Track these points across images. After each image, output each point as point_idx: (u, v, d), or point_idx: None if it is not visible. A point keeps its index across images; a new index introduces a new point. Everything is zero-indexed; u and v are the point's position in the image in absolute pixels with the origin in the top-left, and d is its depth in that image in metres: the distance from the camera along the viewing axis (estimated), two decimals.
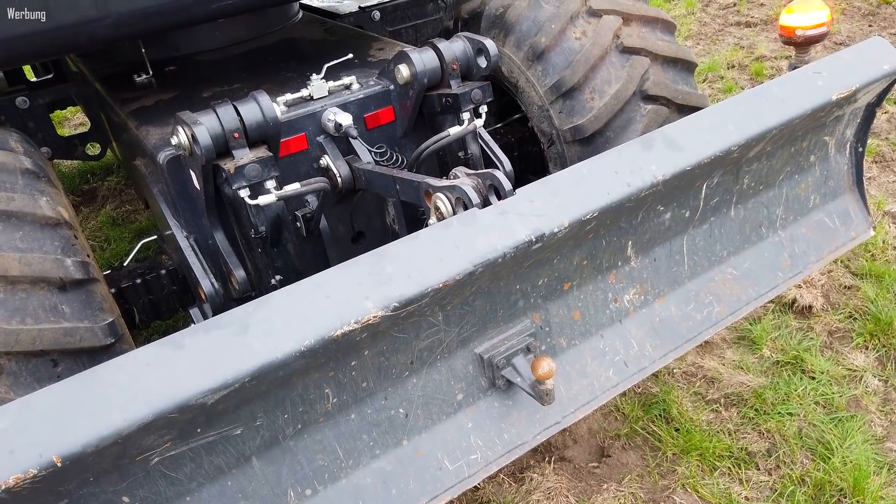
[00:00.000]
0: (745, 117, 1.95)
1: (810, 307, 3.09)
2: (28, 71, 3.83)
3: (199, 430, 1.36)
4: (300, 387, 1.49)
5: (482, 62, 2.26)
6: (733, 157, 1.97)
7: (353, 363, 1.55)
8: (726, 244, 2.30)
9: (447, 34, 3.16)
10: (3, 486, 1.07)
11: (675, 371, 2.85)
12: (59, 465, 1.10)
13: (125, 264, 2.50)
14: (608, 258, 2.00)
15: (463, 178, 1.67)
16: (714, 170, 2.02)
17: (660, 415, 2.66)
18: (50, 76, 3.57)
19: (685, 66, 2.82)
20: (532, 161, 3.15)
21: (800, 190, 2.45)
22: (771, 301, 3.12)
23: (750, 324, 3.04)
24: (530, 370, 1.73)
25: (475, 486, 2.44)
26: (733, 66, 5.86)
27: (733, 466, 2.44)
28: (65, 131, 5.80)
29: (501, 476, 2.48)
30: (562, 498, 2.37)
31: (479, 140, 2.43)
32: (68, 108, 5.16)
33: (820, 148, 2.44)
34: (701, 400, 2.72)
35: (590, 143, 2.72)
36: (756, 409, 2.65)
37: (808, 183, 2.47)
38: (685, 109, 2.74)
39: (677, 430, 2.59)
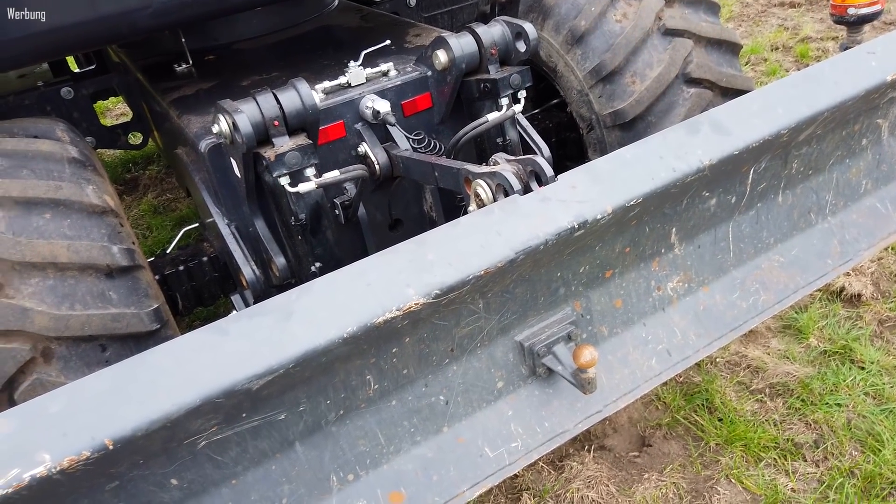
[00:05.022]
0: (795, 100, 1.89)
1: (860, 295, 2.99)
2: (71, 62, 3.90)
3: (244, 415, 1.37)
4: (342, 373, 1.50)
5: (521, 46, 2.23)
6: (782, 141, 1.91)
7: (394, 350, 1.55)
8: (773, 231, 2.24)
9: (484, 19, 3.12)
10: (59, 468, 1.09)
11: (717, 360, 2.80)
12: (110, 447, 1.12)
13: (168, 252, 2.55)
14: (651, 245, 1.96)
15: (503, 165, 1.65)
16: (762, 154, 1.96)
17: (702, 404, 2.61)
18: (93, 67, 3.63)
19: (730, 48, 2.75)
20: (570, 147, 3.11)
21: (851, 175, 2.37)
22: (818, 289, 3.03)
23: (796, 312, 2.96)
24: (572, 358, 1.71)
25: (514, 473, 2.43)
26: (777, 49, 5.69)
27: (779, 458, 2.39)
28: (106, 122, 5.92)
29: (541, 464, 2.47)
30: (602, 487, 2.34)
31: (518, 126, 2.40)
32: (109, 98, 5.26)
33: (872, 131, 2.35)
34: (745, 390, 2.67)
35: (630, 128, 2.67)
36: (803, 400, 2.58)
37: (860, 167, 2.39)
38: (730, 93, 2.67)
39: (720, 420, 2.54)
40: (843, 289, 3.03)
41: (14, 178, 1.82)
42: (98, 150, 5.52)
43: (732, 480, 2.33)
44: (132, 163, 5.82)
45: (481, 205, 1.68)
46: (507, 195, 1.60)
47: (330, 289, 1.36)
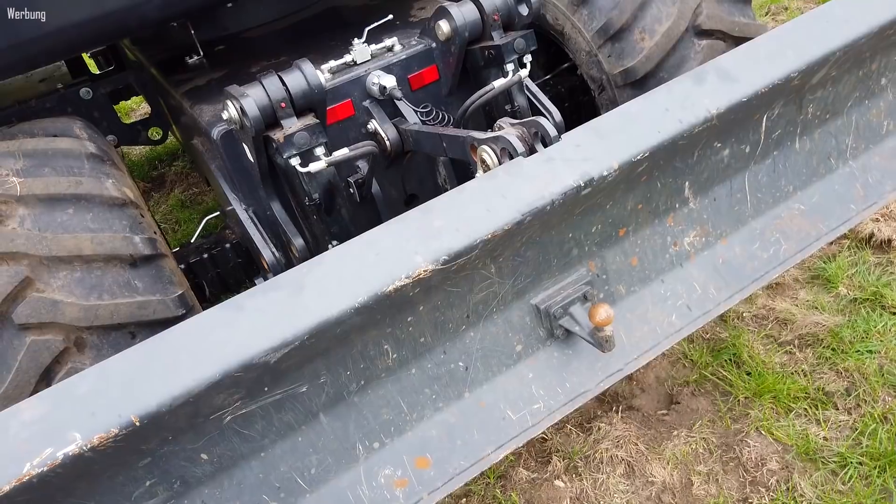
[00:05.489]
0: (804, 41, 1.85)
1: (889, 241, 2.93)
2: (92, 66, 3.98)
3: (266, 389, 1.41)
4: (360, 344, 1.53)
5: (523, 10, 2.21)
6: (794, 84, 1.87)
7: (409, 319, 1.58)
8: (792, 179, 2.20)
9: None
10: (89, 445, 1.14)
11: (744, 315, 2.77)
12: (137, 423, 1.17)
13: (192, 241, 2.61)
14: (665, 201, 1.94)
15: (507, 129, 1.65)
16: (774, 100, 1.93)
17: (730, 360, 2.60)
18: (111, 68, 3.70)
19: None
20: (584, 110, 3.08)
21: (871, 116, 2.31)
22: (846, 237, 2.98)
23: (824, 262, 2.91)
24: (588, 318, 1.71)
25: (542, 437, 2.46)
26: None
27: (810, 407, 2.37)
28: (130, 121, 6.01)
29: (569, 427, 2.49)
30: (631, 446, 2.36)
31: (526, 91, 2.39)
32: (132, 98, 5.36)
33: (891, 69, 2.28)
34: (773, 342, 2.64)
35: (642, 85, 2.63)
36: (833, 349, 2.55)
37: (880, 108, 2.32)
38: (744, 42, 2.61)
39: (749, 373, 2.52)
40: (872, 235, 2.96)
41: (36, 177, 1.87)
42: (124, 149, 5.64)
43: (762, 432, 2.32)
44: (158, 160, 5.92)
45: (487, 170, 1.69)
46: (512, 159, 1.61)
47: (340, 260, 1.39)
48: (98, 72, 3.77)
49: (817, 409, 2.36)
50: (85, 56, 3.78)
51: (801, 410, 2.36)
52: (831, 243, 2.89)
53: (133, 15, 2.17)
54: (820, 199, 2.23)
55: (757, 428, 2.34)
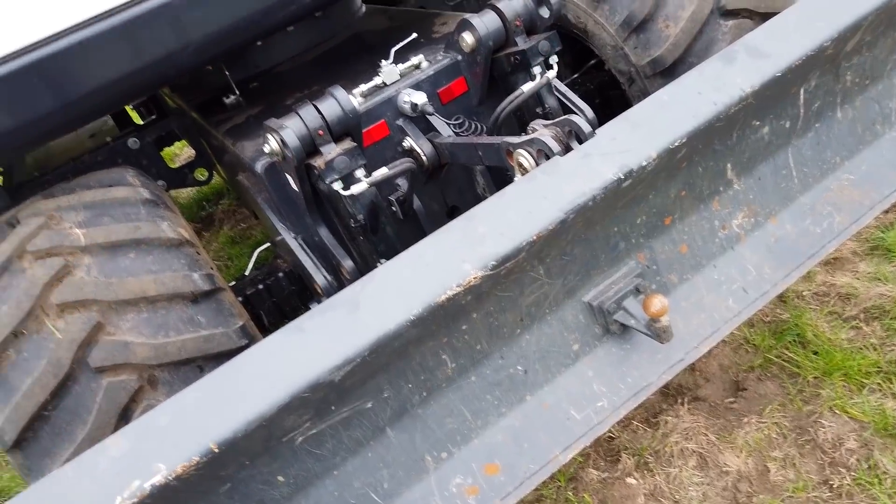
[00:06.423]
0: (833, 9, 1.82)
1: None
2: (136, 117, 4.15)
3: (333, 408, 1.45)
4: (418, 356, 1.56)
5: (544, 12, 2.23)
6: (828, 54, 1.84)
7: (463, 327, 1.60)
8: (838, 149, 2.15)
9: None
10: (174, 475, 1.20)
11: (804, 293, 2.71)
12: (216, 451, 1.22)
13: (246, 274, 2.69)
14: (708, 185, 1.93)
15: (541, 130, 1.67)
16: (809, 72, 1.90)
17: (794, 340, 2.54)
18: (154, 117, 3.86)
19: None
20: (616, 105, 3.07)
21: None
22: None
23: (882, 231, 2.83)
24: (643, 310, 1.71)
25: (609, 436, 2.44)
26: None
27: (883, 381, 2.29)
28: (175, 165, 6.21)
29: (635, 423, 2.46)
30: (701, 437, 2.32)
31: (556, 92, 2.40)
32: (174, 143, 5.55)
33: None
34: (838, 318, 2.57)
35: (671, 73, 2.60)
36: None
37: None
38: (771, 17, 2.57)
39: (815, 352, 2.46)
40: None
41: (97, 226, 1.97)
42: (173, 192, 5.83)
43: (836, 411, 2.26)
44: (205, 200, 6.11)
45: (526, 174, 1.70)
46: (548, 159, 1.62)
47: (391, 276, 1.42)
48: (142, 122, 3.92)
49: (892, 383, 2.28)
50: (128, 108, 3.94)
51: (874, 385, 2.29)
52: (887, 211, 2.81)
53: (170, 64, 2.27)
54: (869, 168, 2.18)
55: (830, 407, 2.27)
